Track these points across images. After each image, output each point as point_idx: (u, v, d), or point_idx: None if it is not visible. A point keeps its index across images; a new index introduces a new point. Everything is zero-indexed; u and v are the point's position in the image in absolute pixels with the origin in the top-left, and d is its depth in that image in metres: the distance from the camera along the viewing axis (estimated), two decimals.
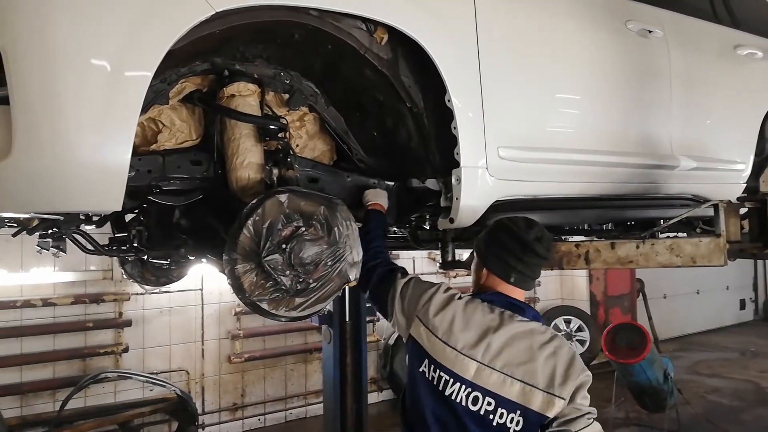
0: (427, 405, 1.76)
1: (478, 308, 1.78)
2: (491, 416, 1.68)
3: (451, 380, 1.71)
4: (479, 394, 1.69)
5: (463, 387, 1.70)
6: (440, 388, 1.72)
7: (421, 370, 1.78)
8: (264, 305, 1.71)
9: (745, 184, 3.14)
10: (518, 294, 1.83)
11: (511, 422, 1.66)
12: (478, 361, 1.70)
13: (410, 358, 1.84)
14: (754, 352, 8.37)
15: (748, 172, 3.15)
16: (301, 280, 1.72)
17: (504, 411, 1.67)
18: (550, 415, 1.66)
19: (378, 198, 2.19)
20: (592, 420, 1.69)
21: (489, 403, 1.68)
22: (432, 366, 1.75)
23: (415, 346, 1.81)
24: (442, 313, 1.78)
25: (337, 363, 3.57)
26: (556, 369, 1.68)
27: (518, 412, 1.66)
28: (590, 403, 1.72)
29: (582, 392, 1.70)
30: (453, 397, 1.71)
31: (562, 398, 1.66)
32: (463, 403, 1.70)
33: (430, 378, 1.75)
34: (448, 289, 1.87)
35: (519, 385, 1.67)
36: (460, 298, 1.83)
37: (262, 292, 1.69)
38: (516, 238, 1.79)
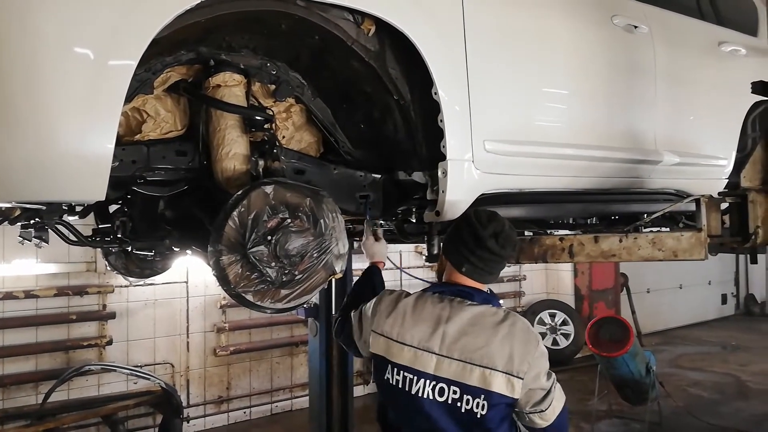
0: (398, 411, 1.79)
1: (427, 301, 1.82)
2: (458, 404, 1.71)
3: (415, 378, 1.74)
4: (444, 385, 1.72)
5: (428, 381, 1.73)
6: (406, 389, 1.75)
7: (385, 377, 1.80)
8: (249, 297, 1.71)
9: (727, 180, 3.19)
10: (471, 284, 1.84)
11: (477, 407, 1.69)
12: (436, 354, 1.73)
13: (376, 373, 1.86)
14: (734, 346, 8.50)
15: (731, 167, 3.19)
16: (286, 271, 1.72)
17: (469, 397, 1.70)
18: (515, 395, 1.69)
19: (378, 254, 2.23)
20: (555, 385, 1.75)
21: (454, 392, 1.71)
22: (395, 369, 1.77)
23: (377, 359, 1.84)
24: (392, 315, 1.82)
25: (324, 356, 3.58)
26: (513, 349, 1.71)
27: (482, 396, 1.69)
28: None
29: (543, 368, 1.74)
30: (420, 394, 1.73)
31: (521, 378, 1.69)
32: (430, 397, 1.72)
33: (394, 382, 1.77)
34: (393, 291, 1.91)
35: (478, 370, 1.70)
36: (407, 296, 1.86)
37: (247, 284, 1.69)
38: (472, 231, 1.81)
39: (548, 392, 1.73)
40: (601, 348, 4.94)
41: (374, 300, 1.91)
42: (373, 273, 2.18)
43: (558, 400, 1.75)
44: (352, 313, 1.99)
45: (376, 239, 2.26)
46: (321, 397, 3.60)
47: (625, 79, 2.68)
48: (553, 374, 1.78)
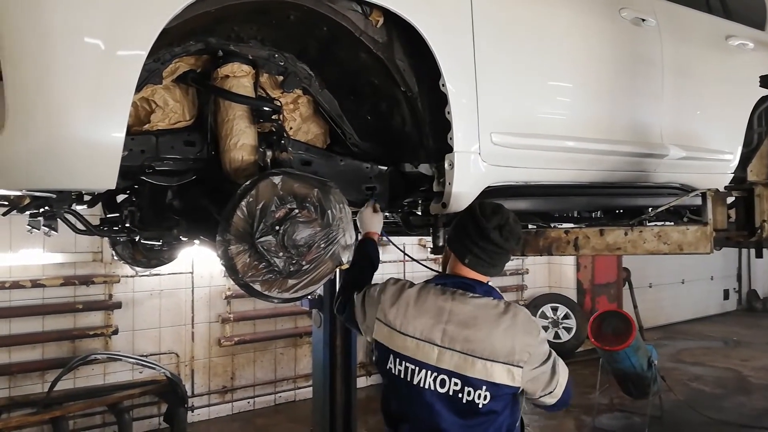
0: (400, 401, 1.81)
1: (430, 292, 1.83)
2: (460, 395, 1.73)
3: (417, 368, 1.76)
4: (445, 377, 1.74)
5: (429, 372, 1.75)
6: (408, 379, 1.77)
7: (387, 367, 1.82)
8: (257, 286, 1.72)
9: (733, 174, 3.18)
10: (473, 275, 1.86)
11: (478, 398, 1.72)
12: (438, 345, 1.75)
13: (379, 362, 1.88)
14: (736, 341, 8.51)
15: (736, 162, 3.19)
16: (294, 261, 1.73)
17: (471, 389, 1.72)
18: (515, 384, 1.72)
19: (373, 225, 2.20)
20: (557, 362, 1.79)
21: (456, 383, 1.73)
22: (397, 360, 1.79)
23: (380, 347, 1.86)
24: (396, 305, 1.83)
25: (327, 347, 3.59)
26: (515, 340, 1.73)
27: (484, 387, 1.71)
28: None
29: (544, 352, 1.77)
30: (422, 385, 1.75)
31: (520, 366, 1.72)
32: (431, 388, 1.74)
33: (396, 373, 1.79)
34: (398, 281, 1.92)
35: (480, 362, 1.72)
36: (411, 286, 1.87)
37: (255, 274, 1.71)
38: (476, 223, 1.82)
39: (553, 373, 1.77)
40: (603, 342, 4.95)
41: (378, 287, 1.93)
42: (368, 245, 2.16)
43: (563, 376, 1.79)
44: (355, 295, 2.00)
45: (374, 211, 2.23)
46: (324, 387, 3.62)
47: (632, 73, 2.68)
48: (553, 352, 1.81)
